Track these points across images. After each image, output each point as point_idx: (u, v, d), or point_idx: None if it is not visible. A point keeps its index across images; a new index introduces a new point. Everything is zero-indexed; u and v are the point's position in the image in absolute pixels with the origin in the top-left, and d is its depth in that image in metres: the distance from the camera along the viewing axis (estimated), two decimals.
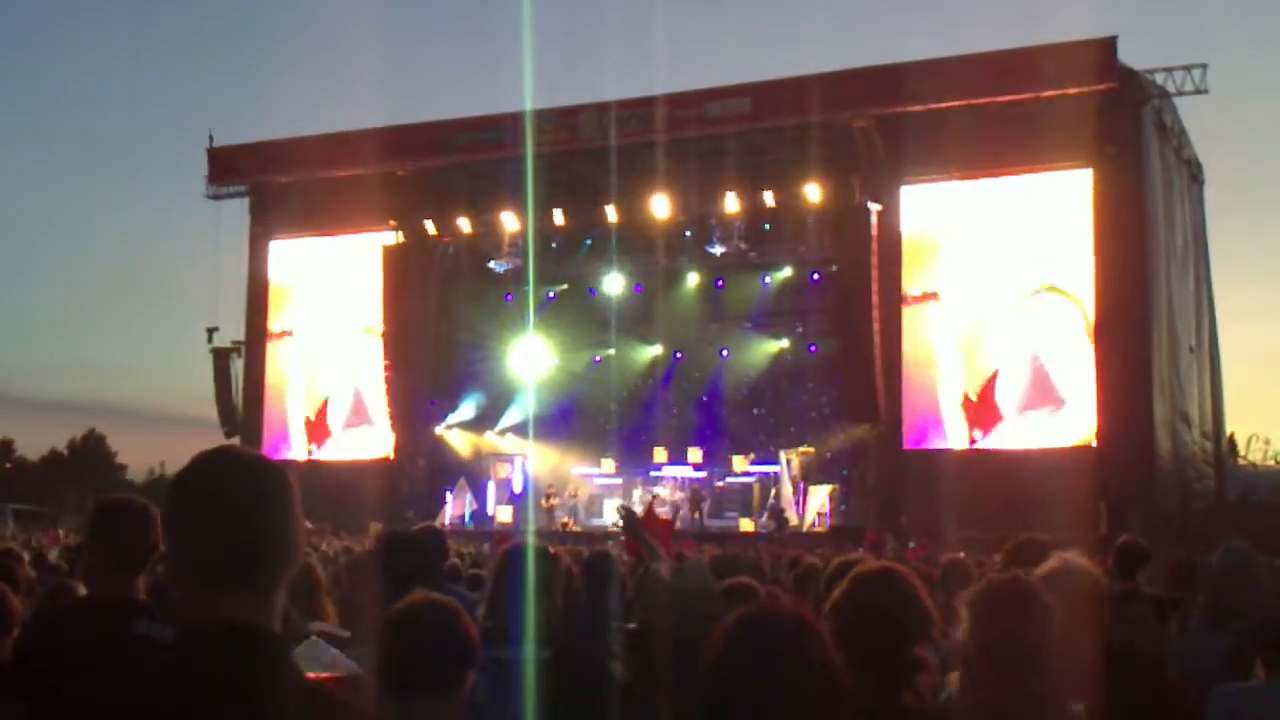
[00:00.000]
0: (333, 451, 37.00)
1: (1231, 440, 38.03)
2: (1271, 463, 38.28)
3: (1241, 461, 36.86)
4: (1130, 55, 28.75)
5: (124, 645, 3.79)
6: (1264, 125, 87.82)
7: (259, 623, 2.26)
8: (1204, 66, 29.30)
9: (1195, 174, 33.47)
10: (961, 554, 12.32)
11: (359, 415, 37.03)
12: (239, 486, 2.35)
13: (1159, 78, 29.42)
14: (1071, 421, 28.78)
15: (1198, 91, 29.39)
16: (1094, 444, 28.23)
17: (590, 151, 32.16)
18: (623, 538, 12.92)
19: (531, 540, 5.08)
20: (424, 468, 35.88)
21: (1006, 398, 29.44)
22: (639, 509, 32.37)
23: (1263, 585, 5.75)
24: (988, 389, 29.64)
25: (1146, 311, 27.92)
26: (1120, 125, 28.50)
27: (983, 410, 29.67)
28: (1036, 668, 3.54)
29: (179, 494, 2.34)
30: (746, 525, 32.48)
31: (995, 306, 29.66)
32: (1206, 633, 5.90)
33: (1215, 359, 34.02)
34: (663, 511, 34.13)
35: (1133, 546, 7.57)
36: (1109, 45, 28.44)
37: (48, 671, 3.79)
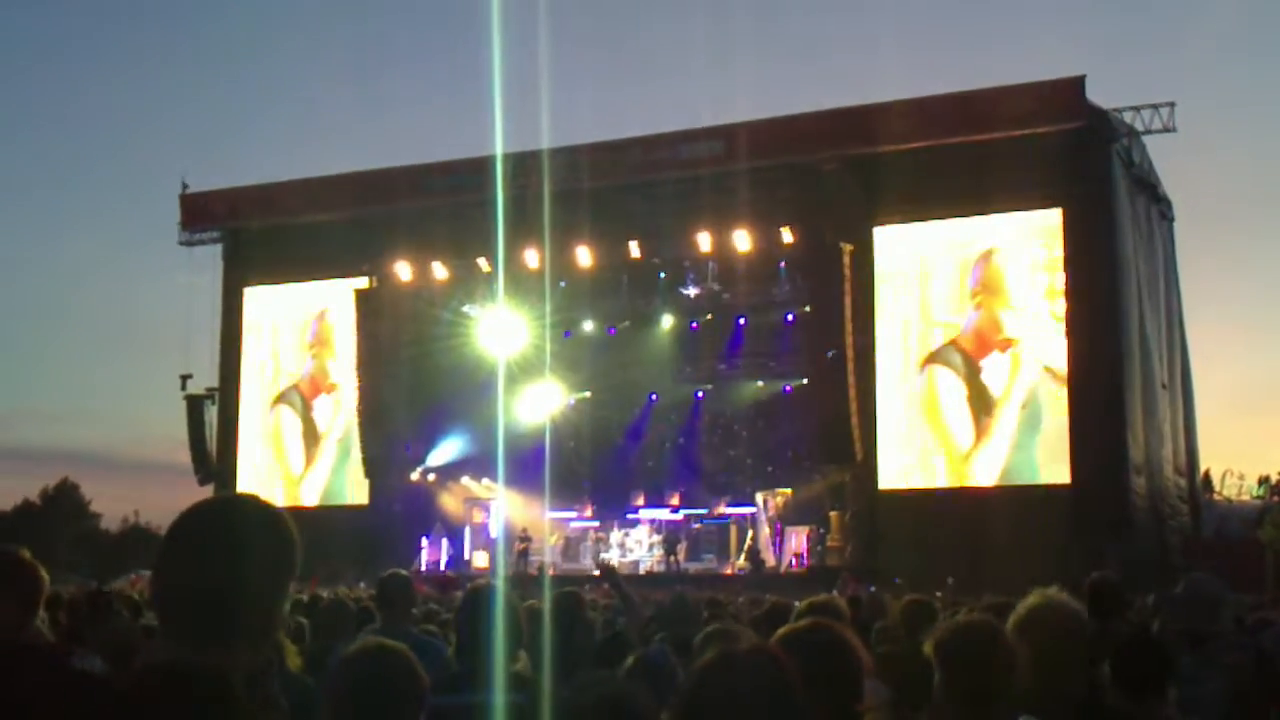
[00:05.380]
0: (307, 497, 36.83)
1: (1206, 476, 38.11)
2: (1246, 498, 38.35)
3: (1216, 497, 36.91)
4: (1099, 94, 29.01)
5: (69, 682, 3.81)
6: (1232, 162, 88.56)
7: (201, 666, 2.25)
8: (1172, 105, 29.60)
9: (1165, 211, 33.70)
10: (938, 594, 12.36)
11: (333, 460, 36.91)
12: (198, 533, 2.38)
13: (1128, 116, 29.66)
14: (1046, 460, 28.82)
15: (1166, 130, 29.64)
16: (1069, 482, 28.26)
17: (563, 194, 32.19)
18: (602, 585, 12.91)
19: (496, 583, 5.07)
20: (400, 513, 35.69)
21: (978, 436, 29.48)
22: (613, 558, 32.48)
23: (1229, 610, 5.76)
24: (959, 427, 29.70)
25: (1118, 349, 28.05)
26: (1089, 164, 28.71)
27: (955, 450, 29.70)
28: (997, 708, 3.56)
29: (161, 542, 2.39)
30: (724, 568, 32.47)
31: (965, 345, 29.73)
32: (1196, 671, 5.83)
33: (1188, 395, 34.19)
34: (634, 555, 34.11)
35: (1105, 584, 7.42)
36: (1078, 85, 28.65)
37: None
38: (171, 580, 2.35)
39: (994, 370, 29.44)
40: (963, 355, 29.82)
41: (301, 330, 37.64)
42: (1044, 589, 4.36)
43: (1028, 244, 29.43)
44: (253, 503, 2.47)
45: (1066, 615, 4.17)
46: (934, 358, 30.10)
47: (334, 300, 36.82)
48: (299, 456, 37.45)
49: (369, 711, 3.43)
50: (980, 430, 29.43)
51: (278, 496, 36.43)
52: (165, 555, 2.37)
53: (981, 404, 29.47)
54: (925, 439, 29.95)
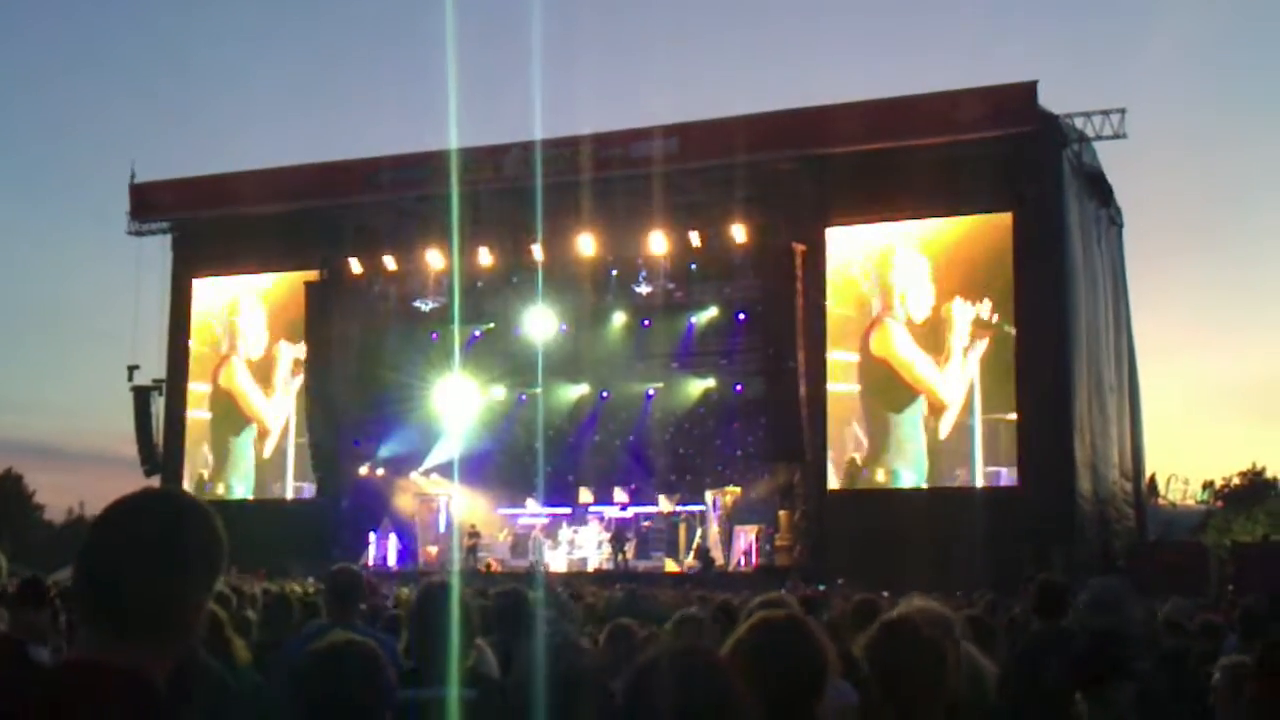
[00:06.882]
0: (254, 491, 36.64)
1: (1152, 480, 38.46)
2: (1191, 502, 38.80)
3: (1161, 501, 37.30)
4: (1050, 100, 29.21)
5: (24, 672, 3.80)
6: (1181, 169, 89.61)
7: (119, 664, 2.20)
8: (1123, 111, 29.77)
9: (1114, 217, 33.93)
10: (884, 594, 12.41)
11: (282, 455, 36.71)
12: (122, 527, 2.31)
13: (1079, 122, 29.83)
14: (994, 462, 29.01)
15: (1117, 136, 29.80)
16: (1016, 484, 28.45)
17: (516, 190, 32.06)
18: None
19: (449, 579, 5.06)
20: (348, 508, 35.50)
21: (930, 438, 29.66)
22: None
23: (1135, 614, 5.86)
24: (920, 362, 29.91)
25: (1067, 352, 28.25)
26: (1040, 168, 28.89)
27: (905, 450, 29.87)
28: (933, 699, 3.60)
29: (85, 534, 2.33)
30: (672, 566, 32.45)
31: (918, 347, 29.89)
32: None
33: (1135, 399, 34.44)
34: (582, 552, 34.06)
35: (1050, 586, 7.47)
36: (1030, 90, 28.84)
37: None
38: (92, 574, 2.28)
39: (945, 371, 29.72)
40: (912, 355, 30.10)
41: (250, 323, 37.59)
42: (911, 598, 4.53)
43: (979, 246, 29.62)
44: (180, 497, 2.42)
45: (934, 619, 4.26)
46: (880, 315, 30.37)
47: (284, 293, 36.76)
48: (246, 448, 37.25)
49: (337, 708, 3.40)
50: (928, 431, 29.67)
51: (224, 489, 36.37)
52: (88, 548, 2.30)
53: (929, 345, 29.97)
54: (874, 439, 30.09)
